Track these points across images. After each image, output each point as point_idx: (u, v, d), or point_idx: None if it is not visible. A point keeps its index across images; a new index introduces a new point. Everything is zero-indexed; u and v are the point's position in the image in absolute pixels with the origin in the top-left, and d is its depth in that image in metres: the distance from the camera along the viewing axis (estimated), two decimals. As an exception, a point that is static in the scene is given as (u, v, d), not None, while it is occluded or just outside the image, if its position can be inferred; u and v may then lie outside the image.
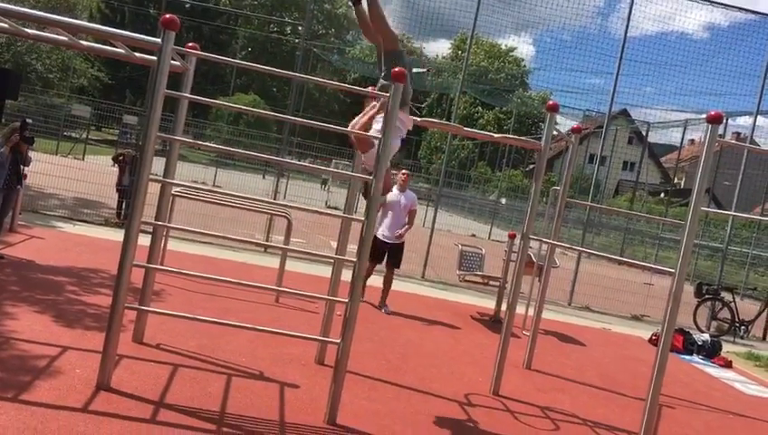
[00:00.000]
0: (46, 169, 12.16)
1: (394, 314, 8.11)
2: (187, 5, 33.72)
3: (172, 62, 4.46)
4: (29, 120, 7.89)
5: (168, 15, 4.16)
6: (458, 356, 6.86)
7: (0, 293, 5.94)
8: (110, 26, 4.73)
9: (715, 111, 4.57)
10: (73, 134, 28.06)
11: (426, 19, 13.64)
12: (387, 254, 8.33)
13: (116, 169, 12.69)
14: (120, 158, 12.52)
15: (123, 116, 27.45)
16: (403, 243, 8.43)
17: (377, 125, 4.76)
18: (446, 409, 5.13)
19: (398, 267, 8.54)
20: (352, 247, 5.02)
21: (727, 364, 8.89)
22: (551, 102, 5.87)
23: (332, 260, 5.86)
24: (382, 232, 8.24)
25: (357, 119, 4.80)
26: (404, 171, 8.62)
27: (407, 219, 8.37)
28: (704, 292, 11.65)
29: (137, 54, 5.52)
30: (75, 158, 22.68)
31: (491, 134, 6.70)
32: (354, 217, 4.99)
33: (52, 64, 31.61)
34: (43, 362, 4.47)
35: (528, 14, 13.74)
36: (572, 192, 6.31)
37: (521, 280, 5.95)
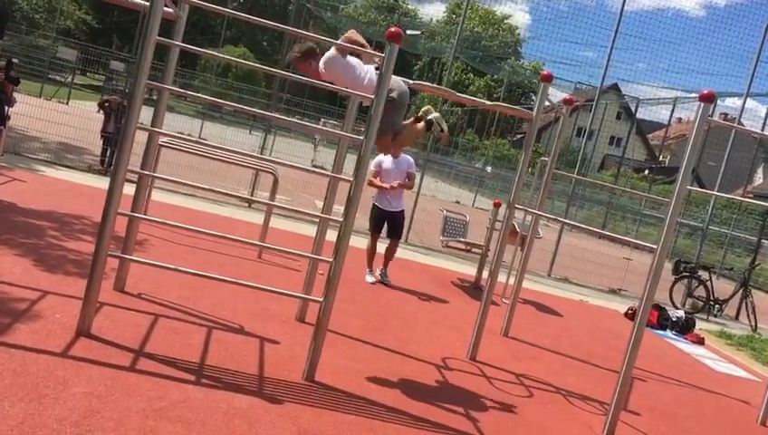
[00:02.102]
0: (30, 112, 11.96)
1: (379, 283, 8.13)
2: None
3: (164, 8, 4.36)
4: (15, 60, 7.73)
5: (162, -40, 4.05)
6: (437, 320, 6.94)
7: (-20, 234, 5.88)
8: (101, -32, 4.61)
9: (707, 89, 4.58)
10: (58, 77, 27.57)
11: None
12: (386, 223, 8.16)
13: (101, 115, 12.51)
14: (106, 104, 12.34)
15: (110, 62, 26.94)
16: (403, 211, 8.28)
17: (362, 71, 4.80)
18: (422, 371, 5.20)
19: (400, 237, 8.40)
20: (338, 208, 5.02)
21: (700, 341, 9.07)
22: (545, 72, 5.83)
23: (317, 219, 5.86)
24: (380, 201, 8.08)
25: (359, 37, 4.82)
26: None
27: (406, 181, 8.15)
28: (681, 269, 11.83)
29: (128, -2, 5.40)
30: (60, 102, 22.32)
31: (483, 101, 6.66)
32: (342, 176, 4.97)
33: (38, 4, 30.91)
34: (22, 305, 4.46)
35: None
36: (558, 164, 6.33)
37: (504, 248, 5.99)
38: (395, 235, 8.24)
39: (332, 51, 4.74)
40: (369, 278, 7.98)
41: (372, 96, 4.33)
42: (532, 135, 5.82)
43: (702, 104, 4.62)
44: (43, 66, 25.05)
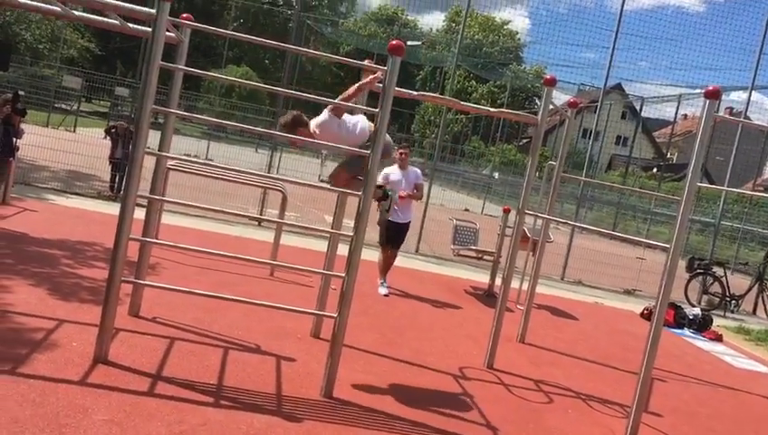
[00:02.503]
0: (38, 142, 12.05)
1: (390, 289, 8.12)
2: (179, -25, 33.23)
3: (167, 33, 4.39)
4: (21, 92, 7.81)
5: (162, -14, 4.08)
6: (452, 330, 6.91)
7: (-6, 266, 5.92)
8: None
9: (713, 85, 4.56)
10: (64, 106, 27.78)
11: (420, -9, 13.51)
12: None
13: (108, 141, 12.59)
14: (113, 130, 12.41)
15: (115, 88, 27.12)
16: (409, 223, 8.29)
17: (351, 118, 5.05)
18: (440, 382, 5.18)
19: (399, 247, 8.37)
20: (348, 222, 5.02)
21: (717, 338, 8.99)
22: (548, 76, 5.83)
23: (328, 234, 5.86)
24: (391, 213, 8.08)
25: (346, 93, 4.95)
26: (401, 150, 8.13)
27: (415, 192, 8.17)
28: (695, 266, 11.75)
29: (130, 25, 5.45)
30: (66, 130, 22.50)
31: (488, 108, 6.68)
32: (350, 191, 4.97)
33: (41, 35, 31.19)
34: (39, 334, 4.47)
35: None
36: (565, 167, 6.33)
37: (516, 254, 5.97)
38: (395, 246, 8.28)
39: (326, 114, 4.90)
40: (382, 290, 7.97)
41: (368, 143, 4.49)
42: (539, 139, 5.81)
43: (707, 101, 4.60)
44: (49, 95, 25.24)
